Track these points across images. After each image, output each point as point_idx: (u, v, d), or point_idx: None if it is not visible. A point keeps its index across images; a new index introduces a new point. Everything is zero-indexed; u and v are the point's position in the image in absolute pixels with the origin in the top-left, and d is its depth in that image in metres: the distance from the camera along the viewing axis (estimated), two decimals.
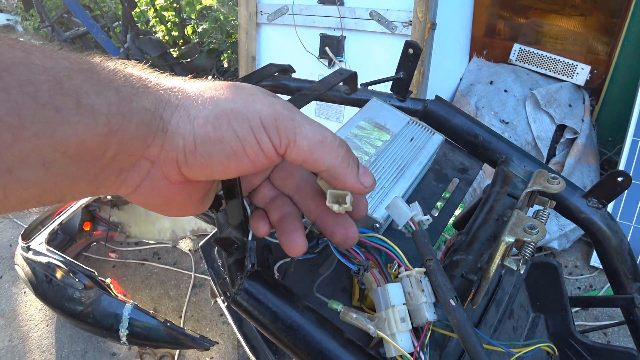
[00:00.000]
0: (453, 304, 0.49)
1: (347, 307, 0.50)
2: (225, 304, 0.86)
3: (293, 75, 0.90)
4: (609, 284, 2.29)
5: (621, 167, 2.24)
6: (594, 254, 2.33)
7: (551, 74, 2.60)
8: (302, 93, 0.70)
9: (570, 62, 2.54)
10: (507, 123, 2.46)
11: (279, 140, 0.35)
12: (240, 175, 0.38)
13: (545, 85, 2.55)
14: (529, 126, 2.43)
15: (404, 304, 0.51)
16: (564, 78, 2.58)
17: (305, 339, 0.49)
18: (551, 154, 2.42)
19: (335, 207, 0.42)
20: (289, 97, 0.64)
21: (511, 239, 0.53)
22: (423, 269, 0.53)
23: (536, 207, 0.67)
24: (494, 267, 0.54)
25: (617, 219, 1.99)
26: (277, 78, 0.87)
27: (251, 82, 0.60)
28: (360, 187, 0.39)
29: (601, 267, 2.32)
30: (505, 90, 2.52)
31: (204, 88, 0.36)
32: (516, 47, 2.64)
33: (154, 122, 0.33)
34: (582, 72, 2.52)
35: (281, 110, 0.35)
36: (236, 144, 0.34)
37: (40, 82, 0.27)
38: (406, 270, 0.52)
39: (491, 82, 2.56)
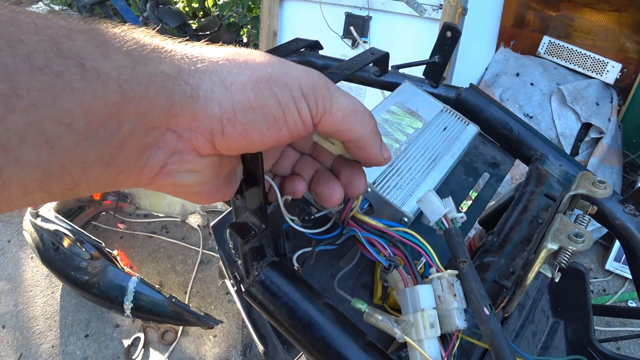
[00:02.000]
0: (487, 312, 0.45)
1: (372, 308, 0.46)
2: (235, 288, 0.82)
3: (320, 52, 0.84)
4: (623, 290, 2.25)
5: None
6: (610, 258, 2.26)
7: (580, 69, 2.50)
8: (331, 71, 0.65)
9: (601, 58, 2.43)
10: (531, 117, 2.38)
11: (316, 109, 0.34)
12: (275, 147, 0.36)
13: (573, 81, 2.45)
14: (554, 122, 2.35)
15: (434, 309, 0.46)
16: (593, 75, 2.48)
17: (323, 340, 0.45)
18: (574, 152, 2.34)
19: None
20: None
21: (555, 246, 0.48)
22: (455, 272, 0.48)
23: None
24: (532, 275, 0.50)
25: None
26: (304, 54, 0.82)
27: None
28: (381, 159, 0.40)
29: (616, 272, 2.25)
30: (532, 84, 2.43)
31: (232, 53, 0.32)
32: (545, 39, 2.54)
33: (178, 88, 0.29)
34: (612, 70, 2.42)
35: (318, 79, 0.34)
36: (278, 112, 0.32)
37: (33, 42, 0.23)
38: (437, 271, 0.48)
39: (517, 74, 2.47)
